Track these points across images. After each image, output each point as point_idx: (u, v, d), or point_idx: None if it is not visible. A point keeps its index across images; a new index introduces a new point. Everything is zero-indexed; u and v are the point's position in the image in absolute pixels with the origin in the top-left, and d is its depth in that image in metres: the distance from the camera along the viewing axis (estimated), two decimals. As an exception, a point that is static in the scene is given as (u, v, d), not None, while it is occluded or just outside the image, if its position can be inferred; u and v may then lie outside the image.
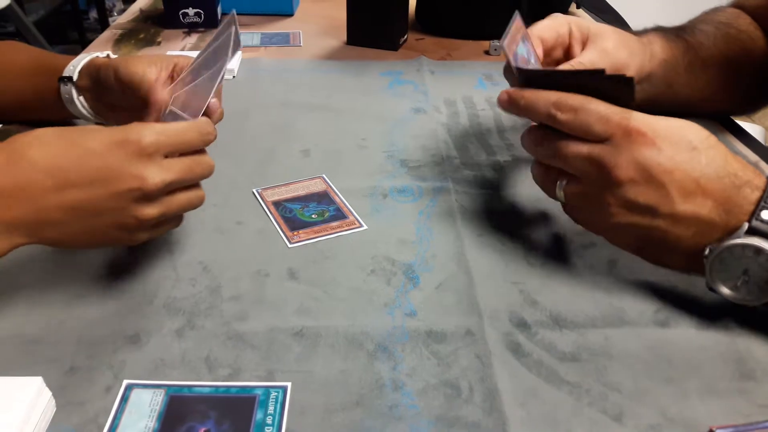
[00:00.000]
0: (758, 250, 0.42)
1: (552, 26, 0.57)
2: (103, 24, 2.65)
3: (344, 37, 0.96)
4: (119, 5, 2.82)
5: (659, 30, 0.66)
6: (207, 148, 0.48)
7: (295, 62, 0.89)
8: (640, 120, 0.44)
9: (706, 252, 0.44)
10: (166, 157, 0.44)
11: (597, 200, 0.46)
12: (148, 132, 0.43)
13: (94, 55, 0.63)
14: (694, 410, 0.40)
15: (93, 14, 2.85)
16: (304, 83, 0.83)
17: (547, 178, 0.49)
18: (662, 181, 0.43)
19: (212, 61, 0.51)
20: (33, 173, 0.41)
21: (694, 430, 0.39)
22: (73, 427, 0.38)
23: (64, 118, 0.67)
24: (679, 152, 0.43)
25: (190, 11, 0.98)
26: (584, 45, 0.58)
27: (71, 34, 2.72)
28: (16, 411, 0.36)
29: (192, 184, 0.46)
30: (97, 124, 0.66)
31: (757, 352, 0.44)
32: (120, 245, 0.45)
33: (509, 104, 0.50)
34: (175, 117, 0.53)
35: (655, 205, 0.44)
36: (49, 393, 0.39)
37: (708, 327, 0.46)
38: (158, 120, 0.53)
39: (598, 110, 0.45)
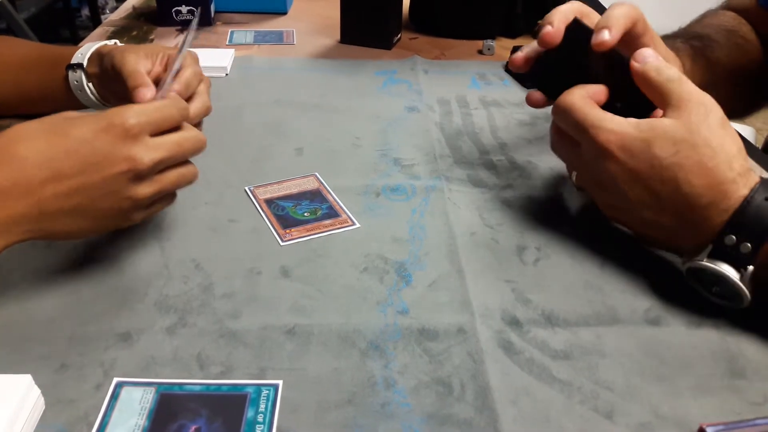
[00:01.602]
0: (720, 276, 0.44)
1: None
2: (95, 21, 2.64)
3: (338, 36, 0.96)
4: (111, 2, 2.81)
5: (689, 46, 0.65)
6: None
7: (289, 60, 0.89)
8: (608, 132, 0.46)
9: (681, 261, 0.47)
10: (153, 136, 0.44)
11: (590, 191, 0.52)
12: (130, 113, 0.43)
13: (102, 42, 0.63)
14: (686, 408, 0.40)
15: (85, 11, 2.83)
16: (298, 82, 0.82)
17: (568, 168, 0.55)
18: (623, 189, 0.47)
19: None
20: (26, 169, 0.41)
21: (686, 428, 0.39)
22: (63, 425, 0.38)
23: (70, 108, 0.67)
24: (638, 165, 0.45)
25: (183, 9, 0.97)
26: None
27: (63, 32, 2.71)
28: (4, 409, 0.36)
29: (184, 160, 0.47)
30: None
31: (747, 350, 0.44)
32: (119, 227, 0.46)
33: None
34: None
35: (624, 209, 0.48)
36: (38, 391, 0.38)
37: (699, 325, 0.46)
38: None
39: (575, 118, 0.48)
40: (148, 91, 0.52)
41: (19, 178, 0.41)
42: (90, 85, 0.62)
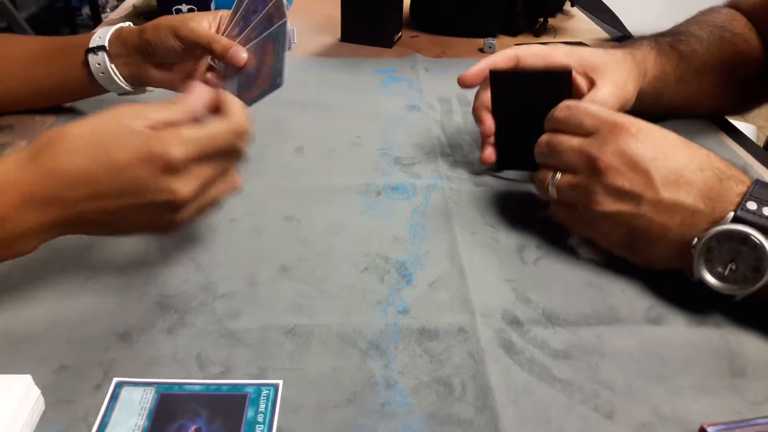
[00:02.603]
0: (744, 238, 0.43)
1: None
2: (96, 20, 2.64)
3: (338, 34, 0.96)
4: (112, 1, 2.81)
5: (654, 41, 0.67)
6: None
7: (289, 59, 0.89)
8: (625, 117, 0.49)
9: (694, 242, 0.45)
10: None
11: (586, 190, 0.48)
12: (176, 144, 0.41)
13: (119, 25, 0.64)
14: (686, 407, 0.40)
15: (86, 10, 2.83)
16: (298, 80, 0.82)
17: (542, 178, 0.52)
18: (646, 168, 0.46)
19: (267, 26, 0.59)
20: (64, 185, 0.40)
21: (686, 428, 0.39)
22: (63, 425, 0.38)
23: (88, 96, 0.68)
24: (661, 146, 0.47)
25: (184, 7, 0.97)
26: (588, 79, 0.60)
27: (63, 31, 2.71)
28: (3, 409, 0.36)
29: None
30: (121, 94, 0.66)
31: (748, 349, 0.44)
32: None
33: None
34: (248, 79, 0.60)
35: (639, 192, 0.46)
36: (38, 391, 0.38)
37: (700, 324, 0.46)
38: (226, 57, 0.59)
39: (587, 108, 0.50)
40: (243, 50, 0.58)
41: (59, 193, 0.40)
42: (113, 66, 0.63)
